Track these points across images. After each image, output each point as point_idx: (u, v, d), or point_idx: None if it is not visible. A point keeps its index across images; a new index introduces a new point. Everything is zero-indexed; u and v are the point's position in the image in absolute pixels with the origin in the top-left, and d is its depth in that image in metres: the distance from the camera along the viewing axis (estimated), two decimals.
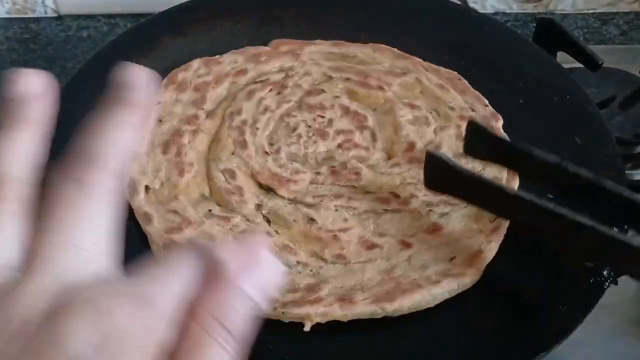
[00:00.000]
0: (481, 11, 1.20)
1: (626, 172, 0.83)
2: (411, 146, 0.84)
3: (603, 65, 0.98)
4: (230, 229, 0.74)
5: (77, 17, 1.29)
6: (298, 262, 0.72)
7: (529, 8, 1.32)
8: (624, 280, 0.73)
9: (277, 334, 0.67)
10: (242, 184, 0.79)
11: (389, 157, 0.84)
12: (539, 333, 0.67)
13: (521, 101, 0.91)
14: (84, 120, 0.85)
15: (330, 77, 0.92)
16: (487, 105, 0.89)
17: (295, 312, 0.67)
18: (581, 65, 0.99)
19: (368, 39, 0.97)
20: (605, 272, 0.71)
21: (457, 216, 0.77)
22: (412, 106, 0.89)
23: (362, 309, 0.68)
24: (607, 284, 0.71)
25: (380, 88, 0.91)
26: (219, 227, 0.75)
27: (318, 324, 0.68)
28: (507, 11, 1.32)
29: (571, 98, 0.91)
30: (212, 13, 1.00)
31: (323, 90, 0.91)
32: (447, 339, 0.68)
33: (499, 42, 0.99)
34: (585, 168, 0.82)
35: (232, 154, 0.83)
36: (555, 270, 0.73)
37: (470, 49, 0.97)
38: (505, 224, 0.76)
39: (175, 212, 0.75)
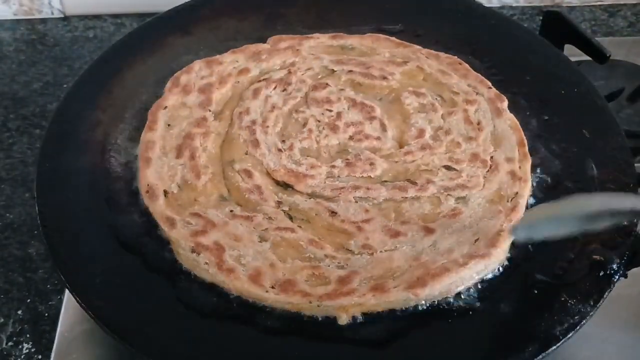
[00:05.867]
0: (487, 5, 1.20)
1: (635, 165, 0.83)
2: (421, 133, 0.86)
3: (611, 57, 0.98)
4: (254, 227, 0.75)
5: (83, 17, 1.29)
6: (326, 256, 0.73)
7: (536, 1, 1.32)
8: (633, 273, 0.72)
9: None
10: (259, 183, 0.80)
11: (401, 146, 0.86)
12: (549, 326, 0.68)
13: (528, 95, 0.90)
14: (91, 118, 0.86)
15: (333, 71, 0.94)
16: (490, 87, 0.91)
17: (330, 305, 0.68)
18: (589, 58, 0.99)
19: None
20: (614, 266, 0.71)
21: (475, 199, 0.79)
22: (417, 94, 0.90)
23: (395, 296, 0.69)
24: (616, 277, 0.71)
25: (384, 78, 0.92)
26: (243, 227, 0.75)
27: None
28: (514, 5, 1.32)
29: (579, 91, 0.91)
30: (217, 11, 1.01)
31: (327, 84, 0.91)
32: (460, 334, 0.68)
33: (505, 36, 0.99)
34: (593, 162, 0.82)
35: (246, 154, 0.83)
36: (565, 263, 0.73)
37: (477, 43, 0.97)
38: (524, 202, 0.78)
39: (197, 215, 0.76)
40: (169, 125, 0.86)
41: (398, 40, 0.97)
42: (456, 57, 0.95)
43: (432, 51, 0.96)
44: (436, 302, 0.70)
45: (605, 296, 0.70)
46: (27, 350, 0.84)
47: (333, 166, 0.82)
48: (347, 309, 0.68)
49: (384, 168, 0.82)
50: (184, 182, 0.80)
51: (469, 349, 0.68)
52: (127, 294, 0.71)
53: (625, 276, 0.72)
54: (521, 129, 0.86)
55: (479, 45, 0.97)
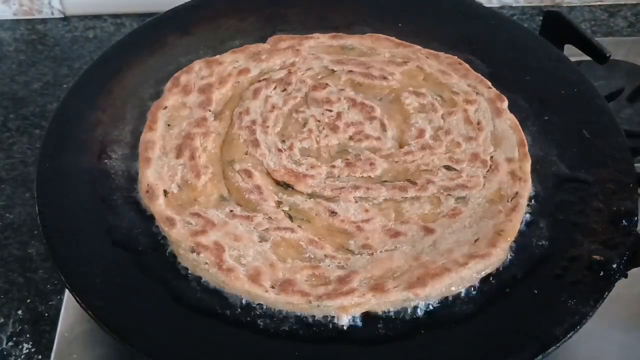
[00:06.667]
0: (487, 5, 1.20)
1: (635, 165, 0.83)
2: (421, 133, 0.86)
3: (611, 57, 0.98)
4: (254, 227, 0.75)
5: (83, 17, 1.29)
6: (326, 256, 0.73)
7: (536, 1, 1.32)
8: (633, 273, 0.73)
9: None
10: (259, 183, 0.80)
11: (401, 146, 0.86)
12: (549, 327, 0.68)
13: (528, 95, 0.90)
14: (91, 118, 0.86)
15: (333, 71, 0.94)
16: (490, 87, 0.91)
17: (330, 305, 0.68)
18: (589, 58, 0.99)
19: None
20: (614, 266, 0.71)
21: (475, 199, 0.79)
22: (417, 94, 0.90)
23: (395, 296, 0.69)
24: (616, 277, 0.71)
25: (384, 78, 0.92)
26: (243, 227, 0.75)
27: None
28: (514, 5, 1.32)
29: (579, 91, 0.91)
30: (217, 12, 1.01)
31: (327, 84, 0.91)
32: (460, 334, 0.68)
33: (505, 36, 0.99)
34: (593, 162, 0.82)
35: (246, 154, 0.84)
36: (565, 263, 0.73)
37: (477, 43, 0.97)
38: (524, 202, 0.78)
39: (197, 215, 0.76)
40: (169, 125, 0.86)
41: (398, 40, 0.97)
42: (456, 57, 0.95)
43: (432, 51, 0.96)
44: (436, 302, 0.70)
45: (605, 296, 0.70)
46: (27, 350, 0.84)
47: (333, 166, 0.82)
48: (347, 309, 0.68)
49: (384, 168, 0.82)
50: (183, 182, 0.80)
51: (469, 349, 0.68)
52: (127, 294, 0.71)
53: (625, 276, 0.72)
54: (521, 129, 0.86)
55: (479, 45, 0.97)
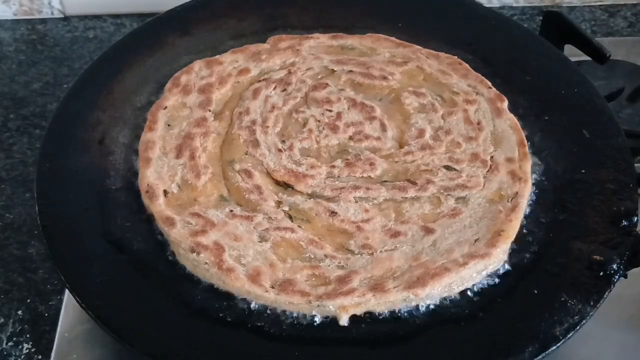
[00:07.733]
0: (487, 5, 1.20)
1: (635, 165, 0.83)
2: (421, 133, 0.86)
3: (611, 57, 0.98)
4: (254, 227, 0.75)
5: (83, 17, 1.29)
6: (326, 256, 0.73)
7: (536, 1, 1.32)
8: (633, 273, 0.73)
9: None
10: (259, 183, 0.80)
11: (401, 146, 0.86)
12: (549, 326, 0.68)
13: (528, 95, 0.90)
14: (91, 118, 0.86)
15: (333, 71, 0.94)
16: (490, 87, 0.91)
17: (330, 305, 0.68)
18: (589, 58, 0.99)
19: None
20: (614, 266, 0.71)
21: (475, 199, 0.79)
22: (417, 94, 0.90)
23: (395, 296, 0.69)
24: (616, 277, 0.71)
25: (384, 78, 0.92)
26: (242, 227, 0.75)
27: None
28: (514, 5, 1.32)
29: (579, 91, 0.91)
30: (217, 12, 1.01)
31: (327, 84, 0.92)
32: (460, 333, 0.68)
33: (505, 36, 0.99)
34: (593, 162, 0.82)
35: (246, 154, 0.84)
36: (564, 263, 0.73)
37: (477, 44, 0.97)
38: (524, 202, 0.78)
39: (197, 215, 0.76)
40: (169, 125, 0.86)
41: (398, 40, 0.97)
42: (456, 57, 0.95)
43: (432, 51, 0.96)
44: (436, 302, 0.70)
45: (605, 296, 0.70)
46: (27, 350, 0.84)
47: (333, 166, 0.82)
48: (347, 309, 0.68)
49: (384, 168, 0.82)
50: (183, 182, 0.80)
51: (469, 349, 0.68)
52: (127, 294, 0.71)
53: (625, 276, 0.72)
54: (521, 129, 0.86)
55: (479, 45, 0.97)
